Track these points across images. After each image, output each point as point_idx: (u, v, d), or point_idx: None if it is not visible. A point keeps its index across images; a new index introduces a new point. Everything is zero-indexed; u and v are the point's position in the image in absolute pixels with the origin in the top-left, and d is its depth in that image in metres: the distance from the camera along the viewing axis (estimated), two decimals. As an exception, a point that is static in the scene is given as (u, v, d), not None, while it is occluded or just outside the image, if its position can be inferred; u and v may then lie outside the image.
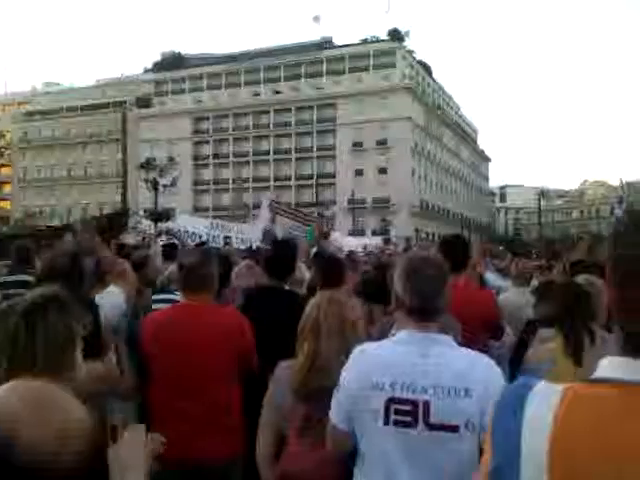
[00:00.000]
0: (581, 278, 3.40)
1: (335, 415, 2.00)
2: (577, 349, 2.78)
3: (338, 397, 2.00)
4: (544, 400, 0.89)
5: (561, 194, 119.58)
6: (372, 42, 79.71)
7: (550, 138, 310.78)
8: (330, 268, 3.96)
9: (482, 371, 1.91)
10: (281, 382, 2.35)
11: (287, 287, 3.80)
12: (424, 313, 2.00)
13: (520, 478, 0.88)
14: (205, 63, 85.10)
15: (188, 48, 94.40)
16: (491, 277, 7.19)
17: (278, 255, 3.85)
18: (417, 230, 65.63)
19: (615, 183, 69.79)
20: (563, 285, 3.33)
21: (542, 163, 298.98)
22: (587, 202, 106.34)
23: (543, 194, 69.44)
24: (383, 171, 72.96)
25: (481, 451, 1.81)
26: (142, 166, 44.24)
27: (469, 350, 2.01)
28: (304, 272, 5.43)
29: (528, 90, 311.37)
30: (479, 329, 3.44)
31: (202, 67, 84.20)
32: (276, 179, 78.48)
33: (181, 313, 3.12)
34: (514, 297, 5.17)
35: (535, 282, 5.59)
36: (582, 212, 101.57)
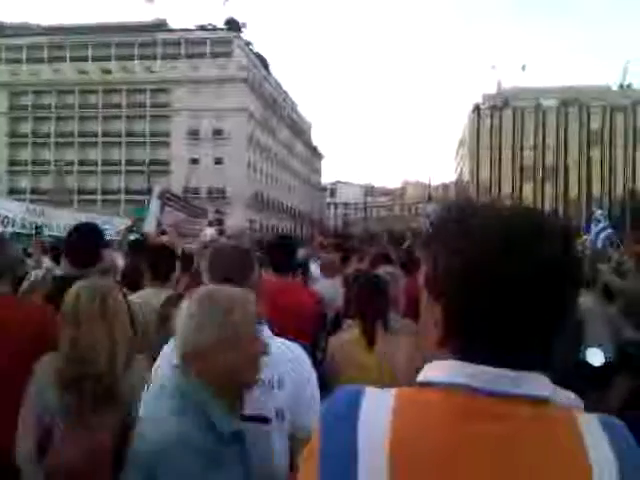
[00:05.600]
0: (381, 269, 3.91)
1: (146, 414, 1.87)
2: (371, 335, 3.00)
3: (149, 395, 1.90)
4: (378, 404, 0.86)
5: (385, 192, 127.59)
6: (209, 29, 78.40)
7: (377, 139, 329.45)
8: (157, 258, 3.86)
9: (294, 361, 1.93)
10: (42, 374, 2.22)
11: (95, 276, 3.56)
12: None
13: None
14: (26, 33, 77.70)
15: (6, 16, 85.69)
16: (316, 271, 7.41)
17: (79, 242, 3.47)
18: (251, 222, 66.02)
19: (432, 184, 75.91)
20: (362, 276, 3.62)
21: (369, 162, 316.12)
22: (407, 200, 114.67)
23: (370, 191, 73.46)
24: (219, 161, 72.33)
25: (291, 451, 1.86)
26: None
27: (283, 340, 2.01)
28: (115, 259, 5.22)
29: (359, 92, 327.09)
30: (304, 323, 3.56)
31: (22, 37, 76.73)
32: (104, 163, 74.32)
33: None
34: (325, 288, 5.34)
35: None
36: (403, 209, 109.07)
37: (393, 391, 0.88)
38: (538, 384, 0.85)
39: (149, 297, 3.59)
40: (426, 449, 0.81)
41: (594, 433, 0.83)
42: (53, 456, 2.04)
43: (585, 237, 12.20)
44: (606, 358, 4.11)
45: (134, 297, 3.53)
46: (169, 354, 1.96)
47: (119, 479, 1.95)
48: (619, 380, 2.87)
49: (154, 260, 3.93)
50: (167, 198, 10.59)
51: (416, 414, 0.84)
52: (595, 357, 4.04)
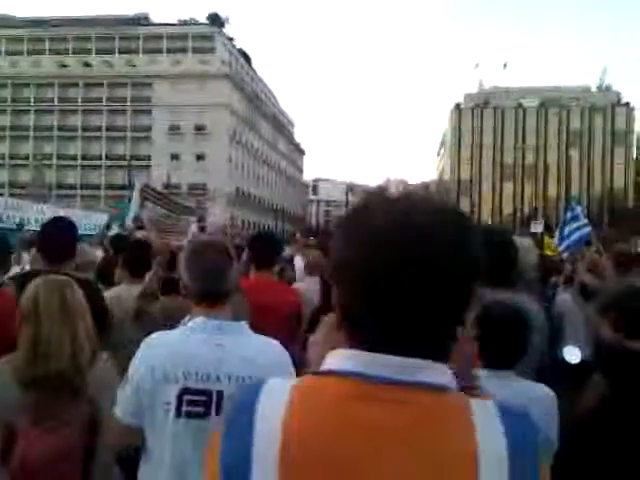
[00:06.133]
0: None
1: (121, 409, 1.88)
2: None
3: (125, 390, 1.88)
4: (274, 397, 0.86)
5: (367, 190, 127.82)
6: (191, 24, 77.85)
7: (359, 137, 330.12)
8: (134, 253, 3.83)
9: (272, 357, 1.92)
10: (0, 375, 2.15)
11: (71, 271, 3.48)
12: (210, 298, 1.96)
13: None
14: (5, 25, 76.46)
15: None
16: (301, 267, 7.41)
17: (53, 237, 3.37)
18: (232, 218, 65.78)
19: (414, 181, 76.26)
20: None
21: (351, 159, 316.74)
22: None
23: (351, 189, 73.63)
24: (200, 157, 71.93)
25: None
26: None
27: (261, 336, 2.00)
28: (93, 253, 5.18)
29: (342, 89, 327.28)
30: (283, 321, 3.56)
31: (1, 29, 75.44)
32: (84, 157, 73.56)
33: None
34: (309, 286, 5.35)
35: None
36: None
37: (293, 381, 0.89)
38: (434, 372, 0.84)
39: (123, 293, 3.56)
40: (318, 438, 0.81)
41: (488, 420, 0.83)
42: (18, 457, 2.00)
43: (556, 240, 12.34)
44: (584, 357, 4.16)
45: (109, 293, 3.49)
46: (145, 350, 1.93)
47: (91, 475, 1.93)
48: (596, 379, 2.90)
49: (129, 256, 3.89)
50: (147, 193, 10.50)
51: (310, 404, 0.84)
52: (573, 355, 4.08)
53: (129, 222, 9.77)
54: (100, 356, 2.26)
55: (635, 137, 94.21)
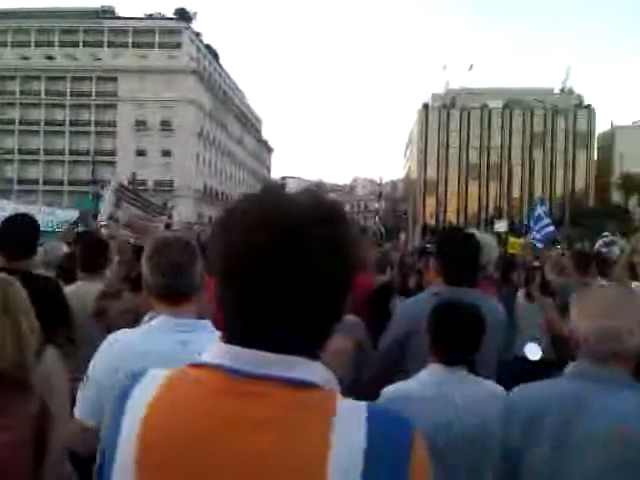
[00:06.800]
0: None
1: (81, 410, 1.85)
2: None
3: (85, 390, 1.85)
4: (147, 385, 0.87)
5: (335, 188, 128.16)
6: (158, 18, 76.85)
7: (327, 135, 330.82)
8: (89, 250, 3.77)
9: None
10: None
11: (32, 269, 3.38)
12: (173, 294, 1.92)
13: (113, 466, 0.85)
14: (-36, 16, 74.34)
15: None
16: None
17: (12, 234, 3.25)
18: (200, 215, 65.24)
19: (380, 181, 76.76)
20: None
21: (319, 158, 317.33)
22: (357, 197, 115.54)
23: (319, 187, 73.69)
24: (167, 153, 71.12)
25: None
26: None
27: None
28: (62, 250, 5.11)
29: (310, 87, 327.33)
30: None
31: (-40, 20, 73.41)
32: (47, 152, 72.05)
33: None
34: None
35: None
36: (352, 206, 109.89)
37: (167, 372, 0.90)
38: (301, 368, 0.84)
39: (80, 290, 3.52)
40: (175, 429, 0.82)
41: (351, 422, 0.82)
42: None
43: (521, 240, 12.58)
44: (543, 353, 4.26)
45: (67, 290, 3.44)
46: (107, 349, 1.90)
47: (41, 472, 1.89)
48: (555, 374, 2.98)
49: (86, 253, 3.84)
50: (122, 193, 10.34)
51: (174, 394, 0.85)
52: (532, 352, 4.18)
53: (102, 220, 9.63)
54: (46, 352, 2.23)
55: (596, 139, 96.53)
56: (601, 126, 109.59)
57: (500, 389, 2.24)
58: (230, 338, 0.86)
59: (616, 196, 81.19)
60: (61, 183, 69.86)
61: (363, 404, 0.85)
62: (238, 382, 0.83)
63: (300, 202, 0.87)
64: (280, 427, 0.81)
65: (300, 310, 0.84)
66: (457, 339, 2.16)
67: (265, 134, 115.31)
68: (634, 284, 5.09)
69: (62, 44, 73.41)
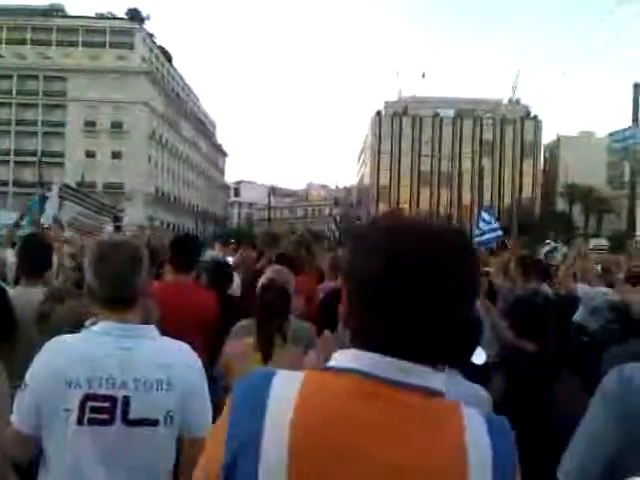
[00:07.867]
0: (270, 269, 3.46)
1: (18, 417, 1.79)
2: (266, 345, 2.82)
3: (23, 397, 1.79)
4: (288, 385, 0.92)
5: (289, 193, 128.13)
6: (109, 18, 75.38)
7: (282, 140, 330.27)
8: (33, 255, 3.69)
9: (180, 360, 1.88)
10: None
11: None
12: (118, 301, 1.88)
13: (259, 463, 0.88)
14: None
15: None
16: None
17: None
18: (152, 219, 64.15)
19: (334, 187, 77.18)
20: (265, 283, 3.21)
21: (274, 163, 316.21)
22: (311, 202, 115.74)
23: (273, 192, 73.58)
24: (117, 155, 69.73)
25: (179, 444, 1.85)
26: None
27: (171, 340, 1.95)
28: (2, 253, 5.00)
29: (264, 92, 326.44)
30: (196, 325, 3.50)
31: None
32: (-10, 153, 69.60)
33: None
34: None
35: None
36: (307, 211, 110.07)
37: (301, 374, 0.95)
38: (431, 377, 0.92)
39: (22, 294, 3.42)
40: (321, 424, 0.88)
41: (477, 430, 0.90)
42: None
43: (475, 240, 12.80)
44: (488, 357, 4.36)
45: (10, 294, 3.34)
46: (46, 354, 1.84)
47: None
48: (496, 376, 3.06)
49: (27, 256, 3.73)
50: (64, 192, 10.07)
51: (317, 394, 0.91)
52: (477, 357, 4.26)
53: (45, 222, 9.36)
54: None
55: (542, 149, 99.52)
56: (547, 136, 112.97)
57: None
58: (369, 346, 0.92)
59: (561, 204, 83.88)
60: (5, 184, 67.58)
61: (474, 410, 0.94)
62: (375, 386, 0.90)
63: (441, 231, 0.96)
64: (423, 435, 0.88)
65: (434, 326, 0.92)
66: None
67: (219, 138, 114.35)
68: (604, 290, 5.26)
69: (9, 42, 71.17)
